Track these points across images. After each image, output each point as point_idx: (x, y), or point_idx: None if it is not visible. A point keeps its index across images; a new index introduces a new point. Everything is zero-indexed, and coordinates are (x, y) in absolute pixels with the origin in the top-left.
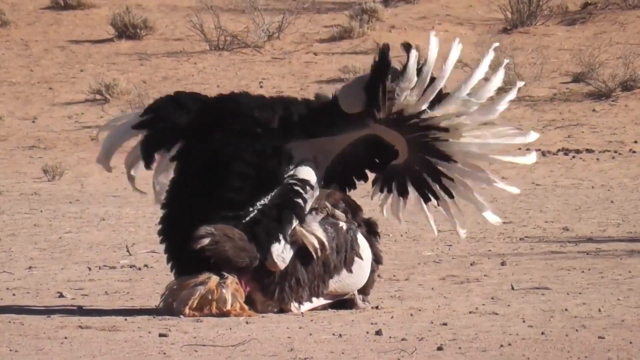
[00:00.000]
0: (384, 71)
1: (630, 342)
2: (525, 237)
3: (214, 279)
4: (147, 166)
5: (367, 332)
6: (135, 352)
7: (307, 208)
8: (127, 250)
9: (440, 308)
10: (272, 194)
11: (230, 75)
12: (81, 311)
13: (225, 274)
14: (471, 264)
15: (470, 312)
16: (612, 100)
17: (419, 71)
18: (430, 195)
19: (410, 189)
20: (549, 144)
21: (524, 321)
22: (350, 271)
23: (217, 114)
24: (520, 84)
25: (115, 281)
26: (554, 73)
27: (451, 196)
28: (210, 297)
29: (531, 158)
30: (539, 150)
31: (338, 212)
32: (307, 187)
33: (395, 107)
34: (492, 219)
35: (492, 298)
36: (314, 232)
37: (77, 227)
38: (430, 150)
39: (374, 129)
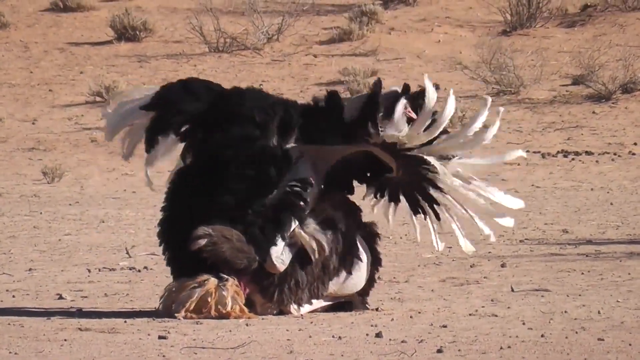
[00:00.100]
0: (373, 109)
1: (630, 344)
2: (525, 239)
3: (213, 281)
4: (148, 149)
5: (367, 334)
6: (134, 354)
7: (307, 210)
8: (127, 252)
9: (440, 310)
10: (271, 195)
11: (230, 77)
12: (81, 313)
13: (224, 276)
14: (471, 266)
15: (470, 314)
16: (612, 103)
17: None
18: (419, 210)
19: (402, 198)
20: (549, 146)
21: (523, 323)
22: (349, 273)
23: (221, 110)
24: (489, 100)
25: (114, 283)
26: (554, 75)
27: (438, 218)
28: (208, 299)
29: (509, 222)
30: (539, 152)
31: (337, 215)
32: (306, 189)
33: (387, 138)
34: (466, 248)
35: (492, 300)
36: (313, 235)
37: (77, 229)
38: (421, 177)
39: (370, 147)
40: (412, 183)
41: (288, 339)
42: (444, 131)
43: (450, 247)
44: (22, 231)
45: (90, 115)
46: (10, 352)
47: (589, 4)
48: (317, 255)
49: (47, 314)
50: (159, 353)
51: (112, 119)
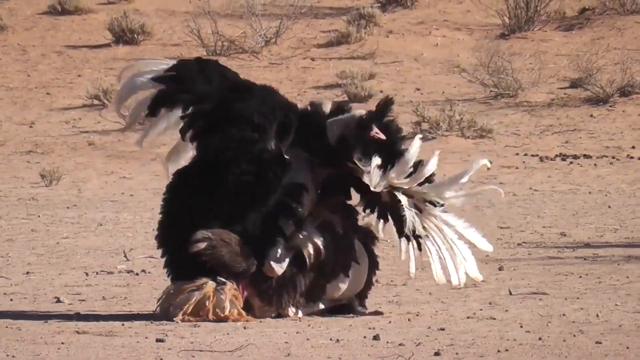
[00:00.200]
0: (347, 153)
1: (628, 347)
2: (523, 242)
3: (211, 284)
4: (149, 116)
5: (365, 337)
6: (132, 358)
7: (305, 213)
8: (125, 256)
9: (438, 313)
10: (269, 199)
11: None
12: (78, 316)
13: (222, 279)
14: None
15: (467, 317)
16: (610, 106)
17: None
18: (404, 234)
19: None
20: (547, 150)
21: (521, 326)
22: (347, 276)
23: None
24: (482, 162)
25: (112, 286)
26: (552, 78)
27: (419, 248)
28: (206, 303)
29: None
30: (537, 155)
31: (335, 218)
32: (304, 193)
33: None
34: (438, 278)
35: (490, 303)
36: (311, 238)
37: (75, 232)
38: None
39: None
40: (395, 210)
41: (286, 342)
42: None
43: None
44: (20, 234)
45: (88, 118)
46: (7, 355)
47: (587, 7)
48: (314, 259)
49: (45, 317)
50: (157, 356)
51: (123, 88)
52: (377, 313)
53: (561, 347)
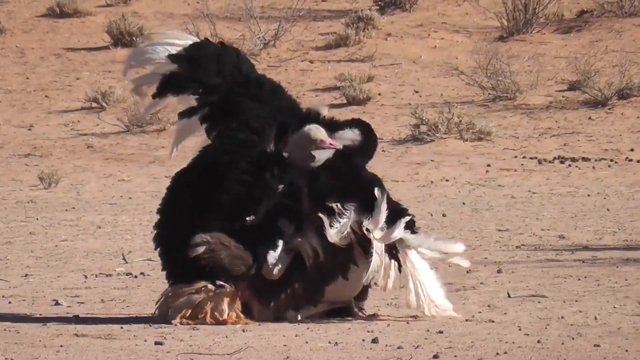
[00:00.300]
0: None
1: (627, 350)
2: (522, 245)
3: (209, 288)
4: (155, 97)
5: (363, 340)
6: None
7: (303, 216)
8: (123, 258)
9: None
10: (268, 201)
11: None
12: (77, 319)
13: (221, 282)
14: (467, 272)
15: (466, 320)
16: (608, 109)
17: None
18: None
19: None
20: (545, 152)
21: (520, 329)
22: (346, 279)
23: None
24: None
25: (111, 289)
26: (550, 81)
27: (399, 270)
28: (205, 307)
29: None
30: (535, 158)
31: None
32: (302, 196)
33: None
34: (410, 304)
35: (489, 306)
36: (310, 240)
37: (73, 235)
38: None
39: None
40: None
41: (284, 345)
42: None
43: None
44: (19, 237)
45: (87, 121)
46: (6, 358)
47: (585, 9)
48: (313, 261)
49: (44, 319)
50: (156, 359)
51: (139, 52)
52: (374, 316)
53: (560, 349)
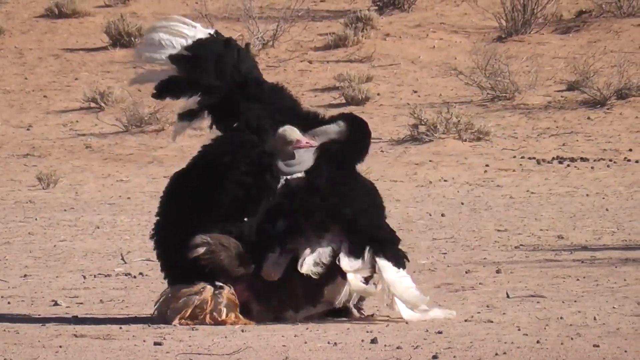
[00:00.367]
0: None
1: (626, 351)
2: (520, 245)
3: (209, 289)
4: (155, 97)
5: (362, 341)
6: None
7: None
8: (122, 258)
9: None
10: (267, 202)
11: None
12: (76, 319)
13: (220, 283)
14: (466, 272)
15: (465, 320)
16: (607, 109)
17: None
18: None
19: None
20: (544, 152)
21: (519, 329)
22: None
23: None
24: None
25: (110, 289)
26: (549, 81)
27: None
28: (204, 308)
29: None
30: (534, 158)
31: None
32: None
33: None
34: (404, 316)
35: (487, 306)
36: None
37: (72, 235)
38: None
39: None
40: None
41: (284, 345)
42: None
43: (445, 254)
44: (17, 237)
45: (85, 121)
46: (5, 359)
47: (583, 10)
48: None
49: (42, 320)
50: (155, 359)
51: (145, 48)
52: (372, 316)
53: (559, 350)
